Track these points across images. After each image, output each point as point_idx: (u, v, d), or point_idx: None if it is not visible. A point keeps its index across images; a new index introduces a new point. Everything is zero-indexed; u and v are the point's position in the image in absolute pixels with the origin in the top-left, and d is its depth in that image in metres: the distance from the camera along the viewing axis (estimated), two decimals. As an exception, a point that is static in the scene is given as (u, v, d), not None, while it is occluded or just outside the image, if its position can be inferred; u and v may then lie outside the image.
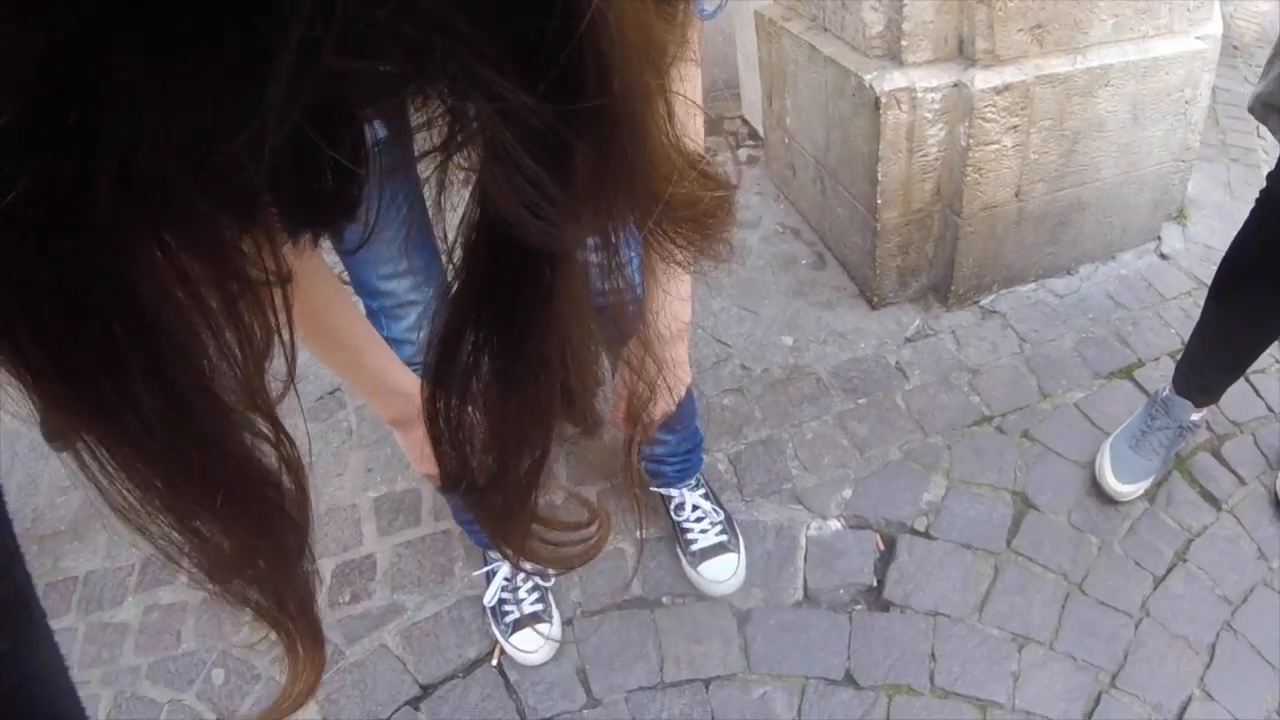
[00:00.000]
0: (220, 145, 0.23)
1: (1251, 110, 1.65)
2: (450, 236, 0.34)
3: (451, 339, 0.37)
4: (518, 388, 0.39)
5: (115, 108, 0.21)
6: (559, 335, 0.38)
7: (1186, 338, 2.00)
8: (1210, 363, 1.95)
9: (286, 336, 0.33)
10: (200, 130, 0.22)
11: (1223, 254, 1.82)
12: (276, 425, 0.36)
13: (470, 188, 0.32)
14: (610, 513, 0.59)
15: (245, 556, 0.39)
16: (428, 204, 0.33)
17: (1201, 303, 1.92)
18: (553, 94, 0.25)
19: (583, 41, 0.25)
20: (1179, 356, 2.03)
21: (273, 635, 0.46)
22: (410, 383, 1.07)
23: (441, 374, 0.39)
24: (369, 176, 0.29)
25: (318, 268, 0.97)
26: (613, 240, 0.37)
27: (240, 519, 0.37)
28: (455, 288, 0.36)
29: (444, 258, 0.35)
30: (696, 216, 0.40)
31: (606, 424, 0.50)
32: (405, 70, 0.24)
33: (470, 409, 0.40)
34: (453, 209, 0.33)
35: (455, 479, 0.44)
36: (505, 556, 0.53)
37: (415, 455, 1.10)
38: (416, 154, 0.30)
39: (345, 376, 1.03)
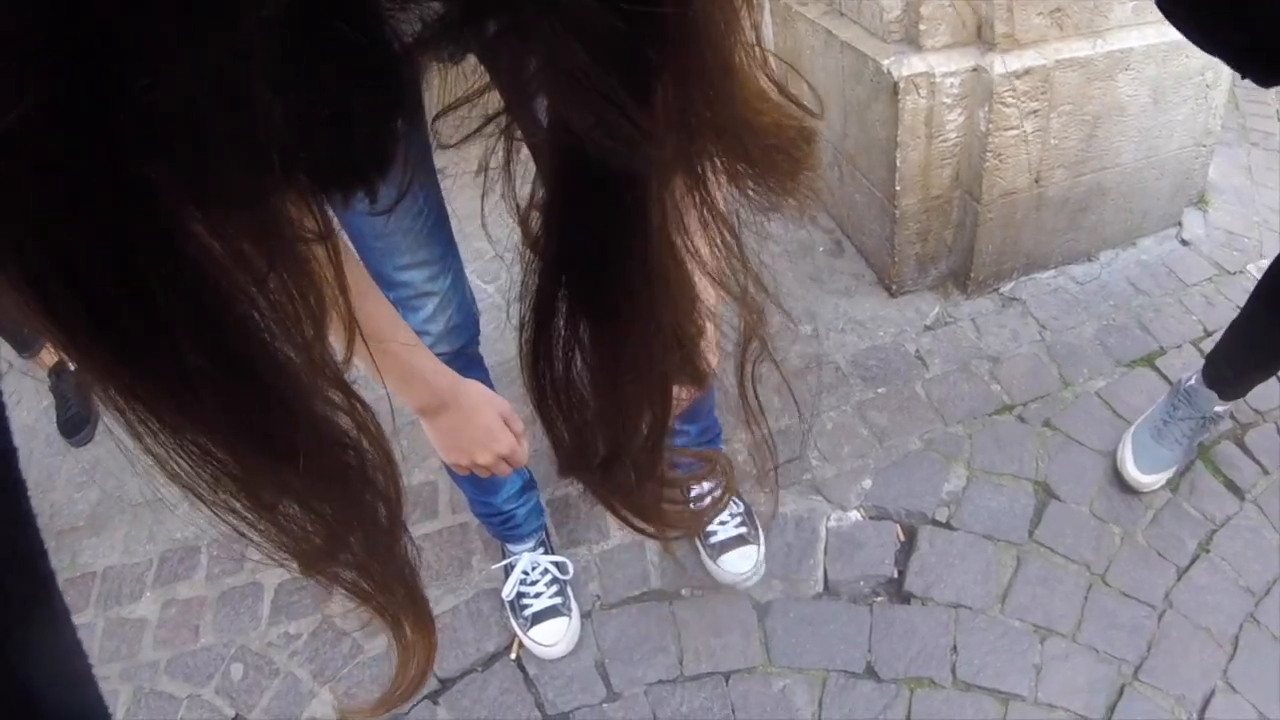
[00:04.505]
0: (244, 90, 0.21)
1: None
2: (522, 207, 0.32)
3: (543, 312, 0.35)
4: (626, 346, 0.37)
5: (136, 39, 0.19)
6: (658, 279, 0.35)
7: (1208, 324, 1.96)
8: (1248, 361, 1.89)
9: (340, 299, 0.31)
10: (222, 76, 0.20)
11: (1244, 239, 1.77)
12: (347, 391, 0.33)
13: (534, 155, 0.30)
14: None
15: (336, 538, 0.37)
16: (495, 169, 0.31)
17: (1223, 289, 1.89)
18: (631, 2, 0.24)
19: None
20: (1210, 349, 1.98)
21: (374, 618, 0.43)
22: (435, 371, 1.06)
23: (540, 351, 0.37)
24: (403, 129, 0.28)
25: (342, 251, 0.95)
26: (703, 179, 0.34)
27: (322, 492, 0.34)
28: (537, 258, 0.34)
29: (519, 228, 0.33)
30: (780, 147, 0.36)
31: (713, 375, 0.47)
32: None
33: (578, 382, 0.38)
34: (523, 179, 0.31)
35: (574, 459, 0.42)
36: (643, 532, 0.49)
37: (443, 445, 1.09)
38: (488, 114, 0.28)
39: (371, 365, 1.02)
